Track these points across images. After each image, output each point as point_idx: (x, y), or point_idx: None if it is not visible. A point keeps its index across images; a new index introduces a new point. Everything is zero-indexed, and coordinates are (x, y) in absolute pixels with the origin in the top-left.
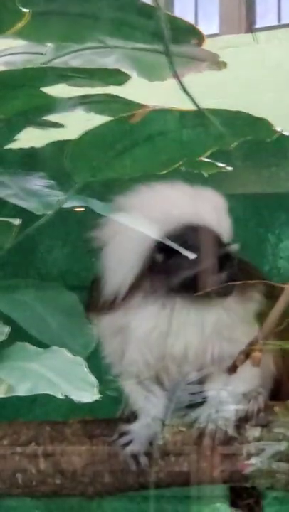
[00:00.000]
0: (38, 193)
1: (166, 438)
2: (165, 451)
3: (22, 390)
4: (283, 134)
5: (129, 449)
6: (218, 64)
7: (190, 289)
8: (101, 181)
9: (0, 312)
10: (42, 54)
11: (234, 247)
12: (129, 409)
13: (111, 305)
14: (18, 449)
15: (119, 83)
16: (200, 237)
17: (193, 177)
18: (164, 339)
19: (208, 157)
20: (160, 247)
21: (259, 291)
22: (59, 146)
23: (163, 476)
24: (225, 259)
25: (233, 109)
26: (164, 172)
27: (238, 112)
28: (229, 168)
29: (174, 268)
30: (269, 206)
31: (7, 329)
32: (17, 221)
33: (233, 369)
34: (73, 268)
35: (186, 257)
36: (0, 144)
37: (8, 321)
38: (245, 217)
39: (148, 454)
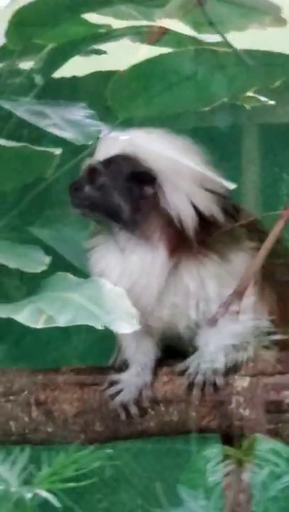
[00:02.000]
0: (78, 124)
1: (156, 387)
2: (155, 400)
3: (62, 321)
4: None
5: (118, 398)
6: (280, 20)
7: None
8: (143, 116)
9: (41, 242)
10: None
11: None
12: (121, 357)
13: None
14: (11, 397)
15: (162, 5)
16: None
17: (235, 110)
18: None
19: None
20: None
21: (253, 239)
22: (101, 76)
23: (153, 425)
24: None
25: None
26: (207, 108)
27: (277, 53)
28: (271, 102)
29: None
30: (284, 144)
31: (48, 259)
32: (58, 151)
33: (213, 322)
34: None
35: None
36: (46, 73)
37: (48, 250)
38: (261, 157)
39: (138, 403)
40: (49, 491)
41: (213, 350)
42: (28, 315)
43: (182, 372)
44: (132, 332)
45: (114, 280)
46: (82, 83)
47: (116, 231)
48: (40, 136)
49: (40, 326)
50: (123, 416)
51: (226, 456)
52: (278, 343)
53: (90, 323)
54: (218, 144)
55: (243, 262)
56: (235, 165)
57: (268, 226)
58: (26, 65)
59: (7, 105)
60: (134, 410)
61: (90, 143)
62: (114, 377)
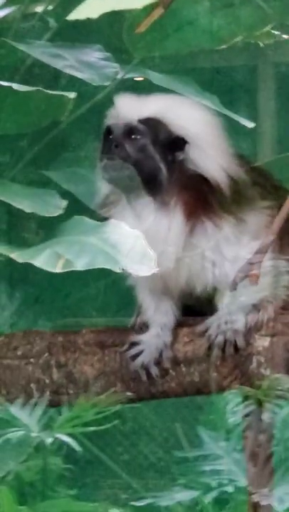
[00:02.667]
0: (94, 65)
1: (176, 348)
2: (176, 360)
3: (80, 265)
4: None
5: (139, 359)
6: None
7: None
8: (159, 56)
9: (57, 186)
10: None
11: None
12: (141, 318)
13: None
14: (32, 360)
15: None
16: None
17: (250, 48)
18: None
19: None
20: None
21: (267, 198)
22: (115, 16)
23: (174, 385)
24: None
25: None
26: (224, 47)
27: None
28: (285, 37)
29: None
30: None
31: (64, 203)
32: (72, 94)
33: (233, 287)
34: None
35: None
36: (60, 16)
37: (64, 194)
38: (281, 116)
39: (158, 364)
40: (69, 435)
41: (233, 311)
42: (46, 259)
43: (202, 333)
44: (150, 293)
45: None
46: (97, 25)
47: (133, 197)
48: (54, 81)
49: (58, 270)
50: (144, 377)
51: (246, 397)
52: None
53: (108, 267)
54: (235, 83)
55: (257, 222)
56: (252, 104)
57: (285, 166)
58: (40, 8)
59: (23, 47)
60: (154, 371)
61: (106, 84)
62: (135, 338)
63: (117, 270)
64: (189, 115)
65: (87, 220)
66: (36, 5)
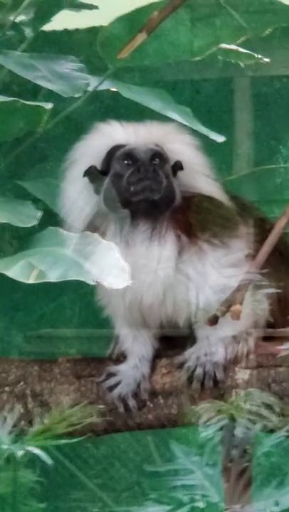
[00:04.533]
0: (66, 76)
1: (154, 379)
2: (154, 392)
3: (53, 276)
4: None
5: (116, 391)
6: None
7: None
8: (134, 67)
9: (32, 196)
10: None
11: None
12: (118, 349)
13: None
14: (7, 388)
15: None
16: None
17: (229, 67)
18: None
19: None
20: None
21: (247, 225)
22: (93, 30)
23: (152, 417)
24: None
25: None
26: (199, 58)
27: (270, 1)
28: (266, 60)
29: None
30: (281, 119)
31: (38, 213)
32: (49, 105)
33: (214, 321)
34: None
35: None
36: (37, 26)
37: (39, 205)
38: (257, 130)
39: (136, 396)
40: (41, 447)
41: (212, 342)
42: (19, 270)
43: (181, 365)
44: (128, 324)
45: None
46: (74, 36)
47: (125, 223)
48: (33, 90)
49: (31, 281)
50: (121, 409)
51: (219, 412)
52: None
53: (82, 279)
54: (211, 95)
55: (240, 248)
56: (228, 117)
57: (262, 180)
58: (18, 18)
59: None
60: (132, 403)
61: (77, 95)
62: (112, 368)
63: (90, 282)
64: (180, 140)
65: (61, 231)
66: (14, 15)
